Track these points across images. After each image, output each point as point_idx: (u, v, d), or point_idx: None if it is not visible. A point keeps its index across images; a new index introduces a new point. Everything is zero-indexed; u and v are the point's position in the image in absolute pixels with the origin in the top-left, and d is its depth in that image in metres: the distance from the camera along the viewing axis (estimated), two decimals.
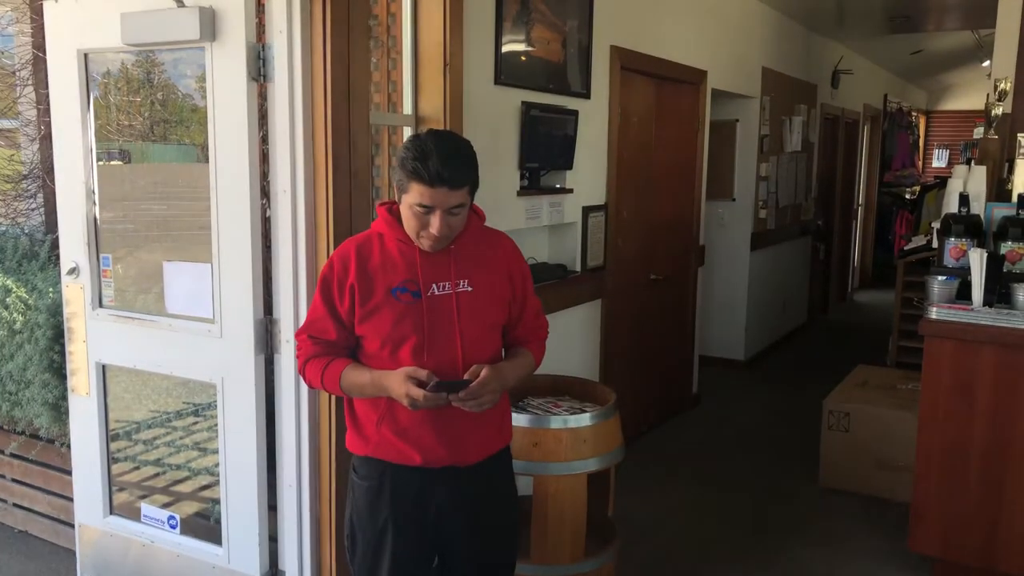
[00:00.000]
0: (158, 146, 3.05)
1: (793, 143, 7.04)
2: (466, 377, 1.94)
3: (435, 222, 1.92)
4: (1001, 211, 3.56)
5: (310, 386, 2.13)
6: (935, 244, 3.72)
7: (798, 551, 3.63)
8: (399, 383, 1.92)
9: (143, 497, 3.02)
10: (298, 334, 2.11)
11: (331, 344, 2.05)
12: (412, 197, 1.90)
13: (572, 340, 4.12)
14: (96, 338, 2.95)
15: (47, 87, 2.98)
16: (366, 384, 2.01)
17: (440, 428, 2.02)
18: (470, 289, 2.04)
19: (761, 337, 6.91)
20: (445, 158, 1.88)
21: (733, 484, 4.35)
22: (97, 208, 2.92)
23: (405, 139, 1.99)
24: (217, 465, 2.77)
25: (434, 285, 2.00)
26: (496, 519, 2.18)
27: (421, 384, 1.90)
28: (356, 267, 2.00)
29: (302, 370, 2.09)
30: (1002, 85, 4.31)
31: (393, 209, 2.05)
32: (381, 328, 1.99)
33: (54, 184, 3.01)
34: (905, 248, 6.14)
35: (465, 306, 2.03)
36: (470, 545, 2.14)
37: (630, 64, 4.37)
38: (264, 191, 2.64)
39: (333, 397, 2.62)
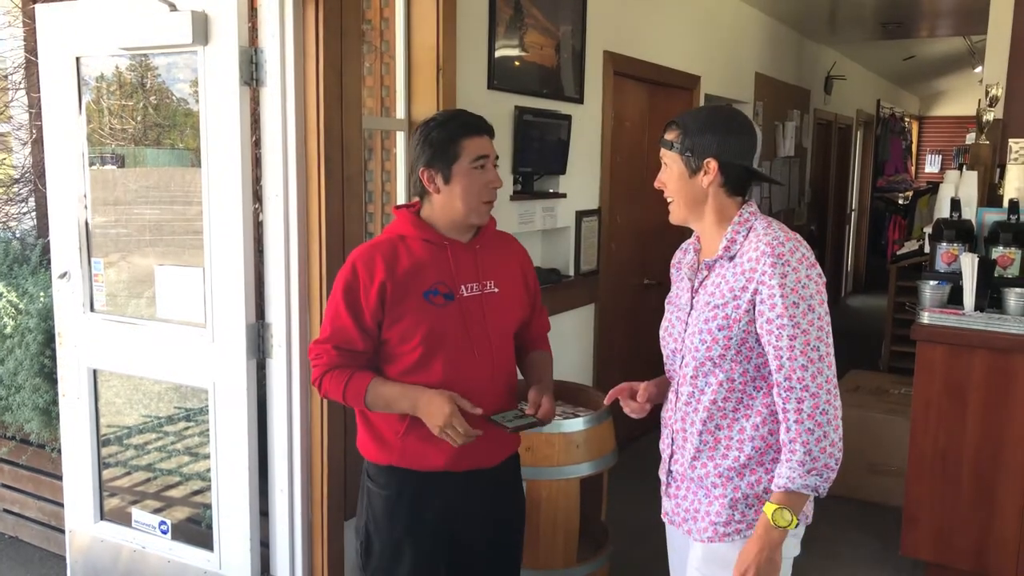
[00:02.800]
0: (151, 150, 3.04)
1: (786, 148, 7.05)
2: (526, 409, 1.97)
3: (494, 172, 1.96)
4: (992, 216, 3.58)
5: (326, 397, 2.02)
6: (927, 249, 3.74)
7: None
8: (440, 410, 1.85)
9: (134, 502, 3.01)
10: (318, 343, 1.98)
11: (356, 354, 1.95)
12: (468, 155, 1.92)
13: (565, 344, 4.11)
14: (87, 343, 2.94)
15: (39, 91, 2.96)
16: (396, 398, 1.92)
17: None
18: (496, 290, 2.02)
19: None
20: (469, 113, 1.98)
21: None
22: (89, 212, 2.91)
23: (417, 131, 1.98)
24: (209, 470, 2.76)
25: (463, 287, 1.96)
26: (512, 521, 2.18)
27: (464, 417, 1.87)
28: (385, 270, 1.91)
29: (319, 381, 1.98)
30: (993, 91, 4.32)
31: (414, 209, 2.01)
32: (413, 334, 1.92)
33: (46, 188, 3.01)
34: (898, 253, 6.15)
35: (494, 308, 2.01)
36: (489, 548, 2.12)
37: (623, 69, 4.38)
38: (257, 195, 2.63)
39: (325, 402, 2.61)
